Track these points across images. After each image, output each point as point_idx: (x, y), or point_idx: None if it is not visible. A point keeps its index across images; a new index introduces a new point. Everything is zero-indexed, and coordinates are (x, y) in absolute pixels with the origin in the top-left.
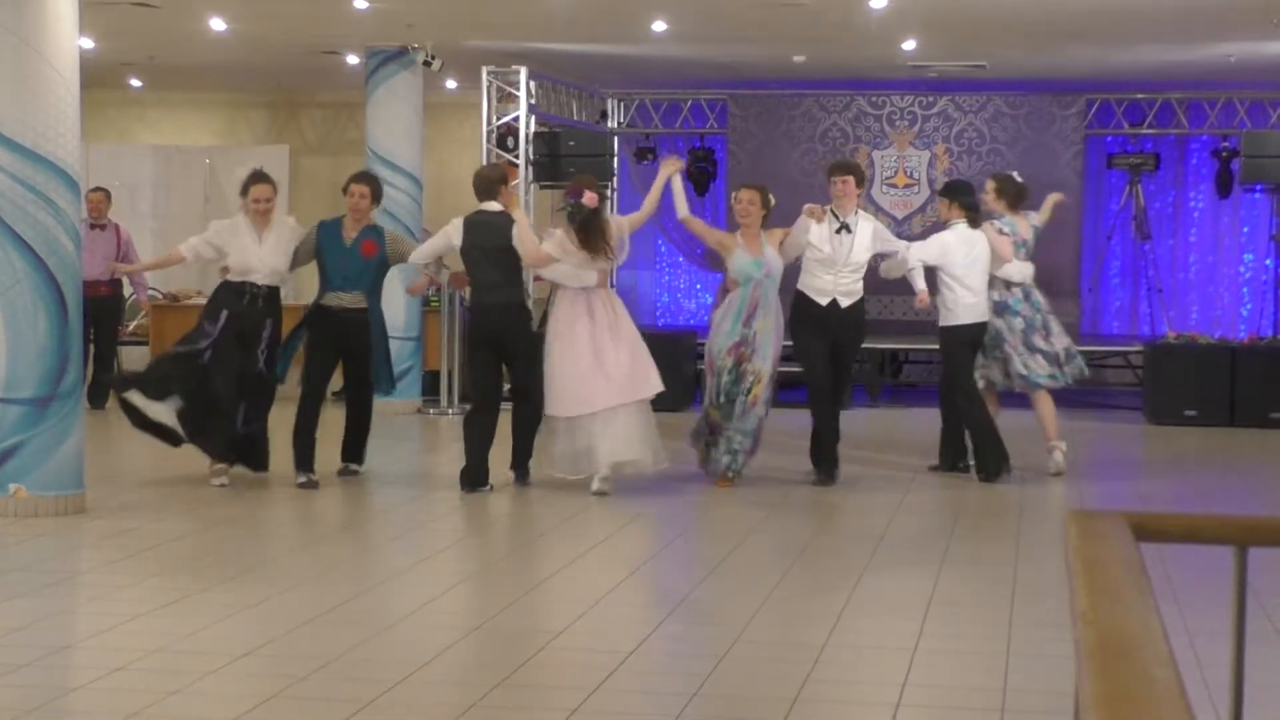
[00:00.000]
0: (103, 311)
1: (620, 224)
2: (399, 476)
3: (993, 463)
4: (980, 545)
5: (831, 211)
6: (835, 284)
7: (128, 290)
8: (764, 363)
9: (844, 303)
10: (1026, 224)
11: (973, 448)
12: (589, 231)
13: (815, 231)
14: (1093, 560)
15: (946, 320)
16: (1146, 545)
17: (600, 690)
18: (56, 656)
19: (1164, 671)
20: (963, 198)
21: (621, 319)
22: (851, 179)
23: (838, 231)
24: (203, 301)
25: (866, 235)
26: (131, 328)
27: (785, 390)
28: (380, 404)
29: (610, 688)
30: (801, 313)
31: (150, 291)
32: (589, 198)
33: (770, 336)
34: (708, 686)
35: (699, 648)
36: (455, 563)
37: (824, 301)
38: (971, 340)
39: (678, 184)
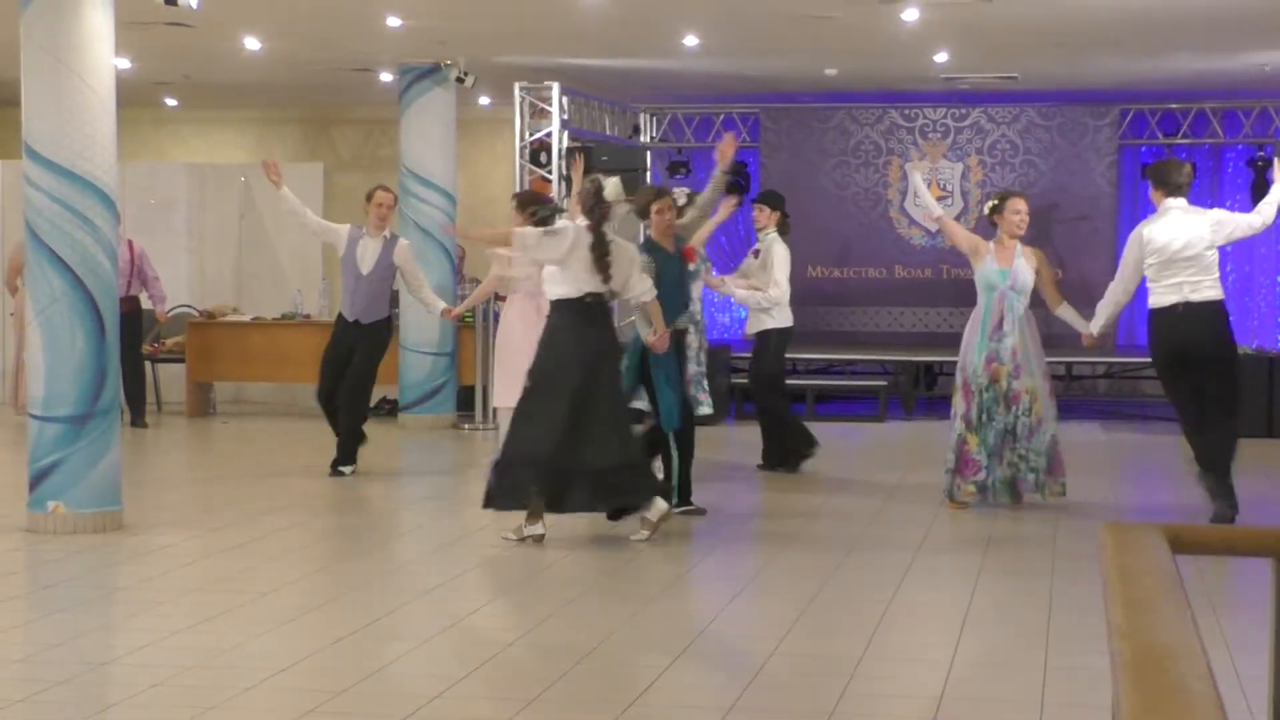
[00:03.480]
0: (123, 327)
1: None
2: (435, 492)
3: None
4: (1016, 557)
5: None
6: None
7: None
8: (1035, 379)
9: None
10: None
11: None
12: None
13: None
14: (1129, 572)
15: (782, 322)
16: (1184, 557)
17: (635, 705)
18: (94, 672)
19: (1201, 684)
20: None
21: None
22: None
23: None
24: (241, 319)
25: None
26: (170, 344)
27: (837, 403)
28: (415, 419)
29: (645, 703)
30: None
31: (184, 308)
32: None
33: (1032, 350)
34: (744, 700)
35: (734, 661)
36: (490, 578)
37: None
38: None
39: (917, 180)
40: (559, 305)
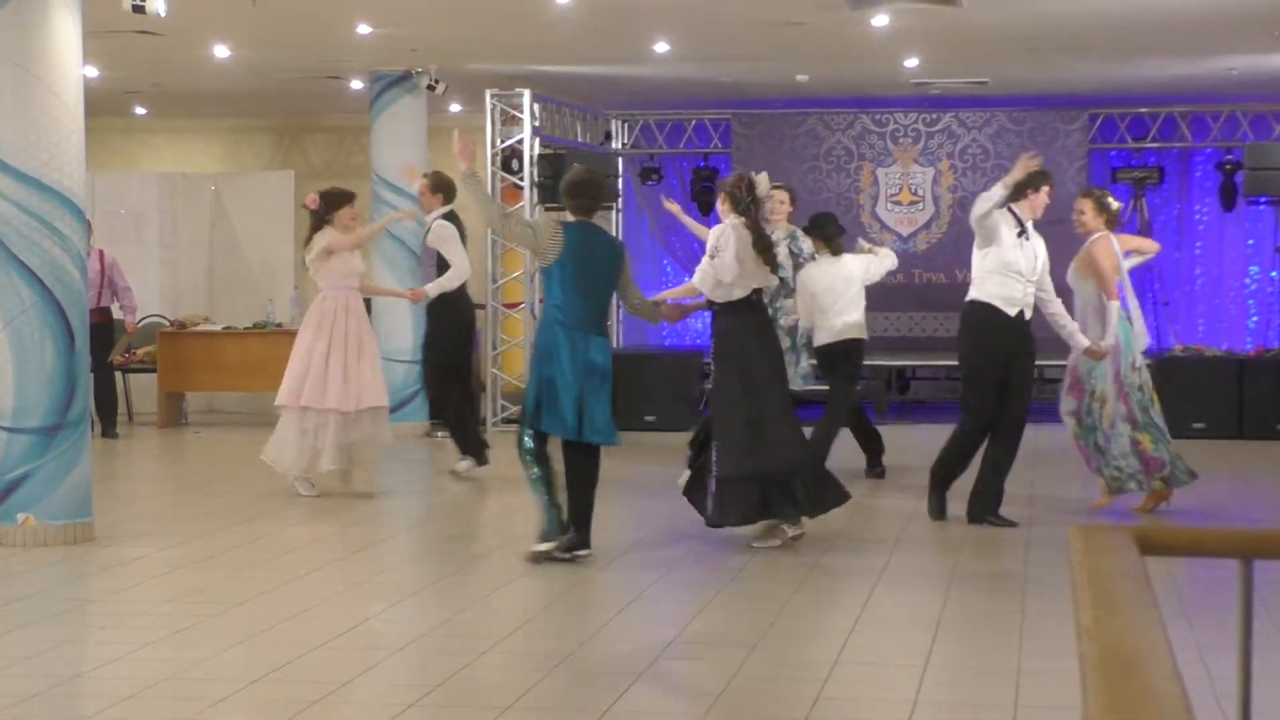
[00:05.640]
0: (93, 338)
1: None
2: (407, 500)
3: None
4: (989, 561)
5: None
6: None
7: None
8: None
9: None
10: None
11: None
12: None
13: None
14: (1097, 574)
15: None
16: (1155, 559)
17: (610, 713)
18: (66, 685)
19: (1168, 685)
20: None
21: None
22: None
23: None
24: (213, 328)
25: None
26: (141, 354)
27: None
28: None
29: (620, 710)
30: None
31: (155, 317)
32: (310, 200)
33: None
34: (718, 707)
35: (708, 668)
36: (464, 586)
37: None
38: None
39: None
40: (731, 307)
